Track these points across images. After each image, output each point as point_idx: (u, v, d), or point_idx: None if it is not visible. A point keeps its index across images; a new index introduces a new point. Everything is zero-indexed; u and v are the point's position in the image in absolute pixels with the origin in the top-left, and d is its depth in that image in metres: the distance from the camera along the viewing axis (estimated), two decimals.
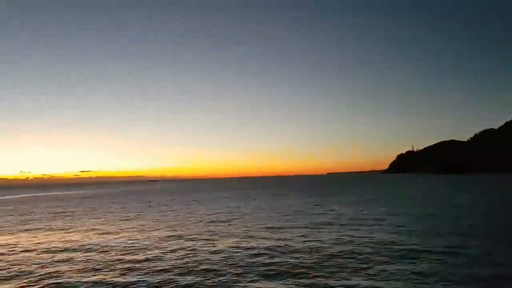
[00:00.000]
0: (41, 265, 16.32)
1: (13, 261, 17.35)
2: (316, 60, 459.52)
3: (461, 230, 21.42)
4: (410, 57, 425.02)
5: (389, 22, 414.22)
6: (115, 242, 21.22)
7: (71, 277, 14.13)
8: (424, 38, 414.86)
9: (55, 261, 16.92)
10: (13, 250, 20.02)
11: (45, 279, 14.00)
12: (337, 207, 37.75)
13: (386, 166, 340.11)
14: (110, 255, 17.88)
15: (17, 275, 14.72)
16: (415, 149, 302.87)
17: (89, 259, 17.09)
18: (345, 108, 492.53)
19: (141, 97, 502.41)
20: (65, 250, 19.58)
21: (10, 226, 31.11)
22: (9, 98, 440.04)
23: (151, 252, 18.09)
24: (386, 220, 26.25)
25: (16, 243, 22.33)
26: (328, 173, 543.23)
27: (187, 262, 15.84)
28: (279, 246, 18.33)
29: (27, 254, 18.91)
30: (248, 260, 15.84)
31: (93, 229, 27.20)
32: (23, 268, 15.91)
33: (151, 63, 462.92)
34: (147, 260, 16.49)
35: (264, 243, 19.24)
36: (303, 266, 14.51)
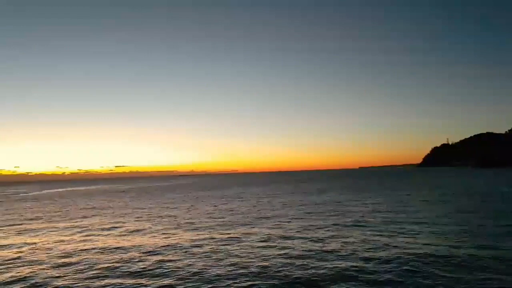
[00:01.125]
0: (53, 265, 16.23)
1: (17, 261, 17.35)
2: (346, 55, 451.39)
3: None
4: (443, 48, 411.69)
5: (424, 15, 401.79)
6: (145, 243, 21.01)
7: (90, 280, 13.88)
8: (459, 27, 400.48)
9: (69, 263, 16.78)
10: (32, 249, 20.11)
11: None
12: (372, 204, 36.49)
13: (420, 160, 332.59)
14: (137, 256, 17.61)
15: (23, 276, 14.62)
16: (450, 142, 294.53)
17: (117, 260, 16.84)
18: (378, 101, 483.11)
19: (173, 94, 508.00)
20: (90, 250, 19.48)
21: (36, 223, 31.69)
22: (44, 97, 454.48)
23: (180, 253, 17.71)
24: (428, 220, 24.90)
25: (42, 240, 22.51)
26: (360, 167, 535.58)
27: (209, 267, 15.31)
28: (312, 249, 17.55)
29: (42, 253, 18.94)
30: (279, 264, 15.15)
31: (125, 228, 27.21)
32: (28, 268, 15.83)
33: (184, 60, 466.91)
34: (172, 260, 16.10)
35: (296, 245, 18.51)
36: (337, 272, 13.69)
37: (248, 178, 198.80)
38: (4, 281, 13.95)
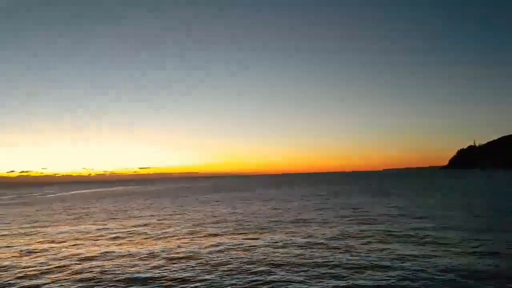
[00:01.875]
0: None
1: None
2: (369, 54, 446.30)
3: None
4: (469, 47, 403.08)
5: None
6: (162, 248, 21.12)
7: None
8: (485, 27, 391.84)
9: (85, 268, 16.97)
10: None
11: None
12: (394, 207, 35.77)
13: (445, 162, 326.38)
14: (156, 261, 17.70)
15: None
16: (477, 144, 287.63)
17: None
18: (402, 101, 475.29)
19: (195, 95, 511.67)
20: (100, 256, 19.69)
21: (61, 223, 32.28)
22: (70, 98, 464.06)
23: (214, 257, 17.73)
24: (453, 226, 24.24)
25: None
26: (384, 169, 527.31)
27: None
28: (339, 258, 17.28)
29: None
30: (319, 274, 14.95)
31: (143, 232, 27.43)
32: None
33: (206, 59, 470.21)
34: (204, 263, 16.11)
35: (327, 252, 18.29)
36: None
37: (265, 180, 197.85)
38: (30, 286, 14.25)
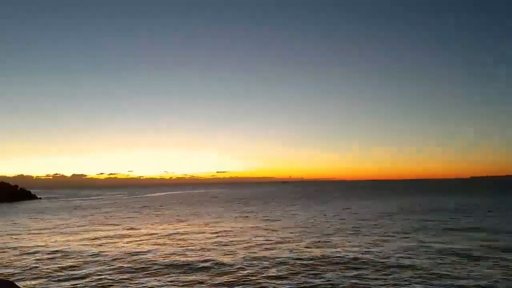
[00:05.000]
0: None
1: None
2: (463, 54, 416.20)
3: None
4: None
5: None
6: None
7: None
8: None
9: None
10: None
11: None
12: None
13: None
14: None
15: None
16: None
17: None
18: (492, 97, 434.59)
19: (267, 101, 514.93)
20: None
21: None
22: (153, 109, 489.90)
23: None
24: None
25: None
26: (471, 177, 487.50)
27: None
28: None
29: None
30: None
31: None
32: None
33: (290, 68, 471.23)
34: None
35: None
36: None
37: (341, 186, 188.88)
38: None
